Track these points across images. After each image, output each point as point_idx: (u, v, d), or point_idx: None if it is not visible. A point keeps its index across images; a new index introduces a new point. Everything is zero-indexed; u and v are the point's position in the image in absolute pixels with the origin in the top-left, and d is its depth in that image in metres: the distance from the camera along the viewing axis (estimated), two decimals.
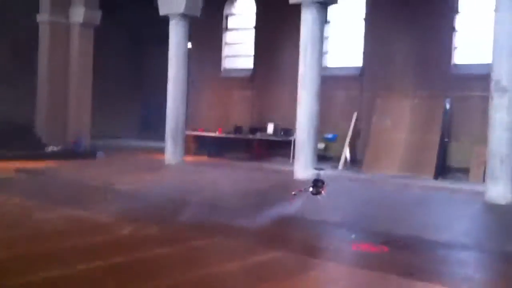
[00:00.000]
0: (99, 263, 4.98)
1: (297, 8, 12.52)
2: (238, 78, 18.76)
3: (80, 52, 16.93)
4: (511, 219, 8.74)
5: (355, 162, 15.49)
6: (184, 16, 14.57)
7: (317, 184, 7.23)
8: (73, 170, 12.53)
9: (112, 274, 4.72)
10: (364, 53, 15.99)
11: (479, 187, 10.80)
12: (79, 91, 16.93)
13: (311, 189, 7.24)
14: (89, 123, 17.23)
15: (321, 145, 15.60)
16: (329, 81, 15.37)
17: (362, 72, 16.02)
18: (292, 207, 7.29)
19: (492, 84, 10.07)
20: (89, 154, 15.71)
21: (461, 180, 13.34)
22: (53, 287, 4.35)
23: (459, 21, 14.65)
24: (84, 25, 16.95)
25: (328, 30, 16.72)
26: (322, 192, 7.22)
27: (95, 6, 17.11)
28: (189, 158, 15.97)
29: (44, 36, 16.90)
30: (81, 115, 17.00)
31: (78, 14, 16.92)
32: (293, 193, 7.30)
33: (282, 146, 16.66)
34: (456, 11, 14.61)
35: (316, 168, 7.69)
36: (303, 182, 8.78)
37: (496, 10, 10.11)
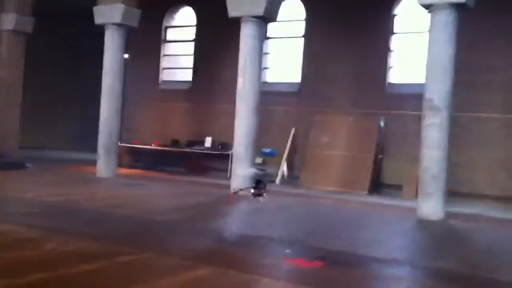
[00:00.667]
0: (19, 280, 4.64)
1: (237, 22, 12.50)
2: (177, 91, 18.52)
3: (9, 59, 16.22)
4: (442, 235, 8.94)
5: (292, 177, 15.53)
6: (120, 26, 14.26)
7: (259, 185, 6.97)
8: None
9: None
10: (302, 69, 16.16)
11: (412, 204, 11.01)
12: (8, 100, 16.17)
13: (252, 190, 6.96)
14: (17, 133, 16.47)
15: (259, 160, 15.56)
16: (269, 96, 15.40)
17: (300, 88, 16.17)
18: (229, 220, 6.96)
19: (425, 103, 10.34)
20: (17, 166, 14.97)
21: (394, 196, 13.61)
22: None
23: (395, 41, 15.07)
24: (14, 32, 16.29)
25: (269, 45, 16.82)
26: (264, 195, 6.95)
27: (27, 13, 16.50)
28: (123, 171, 15.54)
29: None
30: (8, 125, 16.21)
31: (8, 20, 16.27)
32: (232, 191, 6.96)
33: (219, 160, 16.50)
34: (392, 32, 15.02)
35: (257, 169, 7.40)
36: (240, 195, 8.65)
37: (430, 31, 10.42)
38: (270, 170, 6.80)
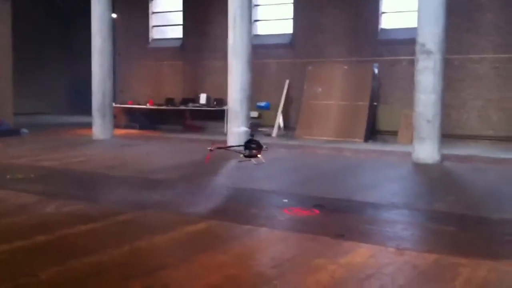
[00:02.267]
0: (20, 243, 4.71)
1: None
2: (168, 49, 18.33)
3: None
4: (438, 177, 9.04)
5: (288, 129, 15.57)
6: None
7: (250, 145, 6.48)
8: None
9: (34, 254, 4.47)
10: (294, 20, 15.95)
11: (407, 149, 11.08)
12: None
13: (243, 152, 6.46)
14: (11, 100, 16.34)
15: (255, 114, 15.58)
16: (261, 50, 15.28)
17: (292, 40, 15.99)
18: (210, 166, 6.35)
19: (418, 48, 10.27)
20: (12, 132, 14.95)
21: (390, 142, 13.67)
22: None
23: None
24: None
25: None
26: (259, 155, 6.49)
27: None
28: (120, 132, 15.54)
29: None
30: (2, 92, 16.08)
31: None
32: (209, 148, 6.53)
33: (215, 116, 16.49)
34: None
35: (248, 127, 6.83)
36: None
37: None
38: (258, 131, 6.15)
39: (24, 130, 15.26)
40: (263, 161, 6.57)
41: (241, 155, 6.46)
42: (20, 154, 10.97)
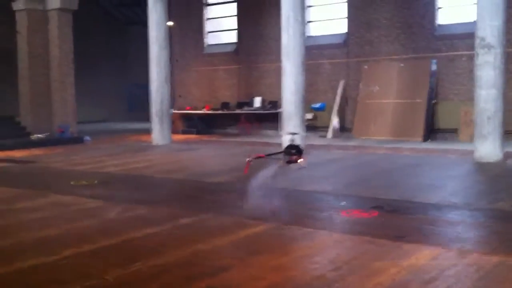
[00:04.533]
0: (87, 247, 4.90)
1: None
2: (222, 54, 18.55)
3: (59, 38, 16.62)
4: (501, 176, 8.75)
5: (344, 130, 15.45)
6: None
7: (291, 151, 6.45)
8: (59, 157, 12.39)
9: (100, 258, 4.65)
10: (348, 19, 15.83)
11: (468, 147, 10.78)
12: (61, 77, 16.67)
13: (282, 158, 6.44)
14: (74, 109, 17.01)
15: (310, 115, 15.55)
16: (314, 50, 15.25)
17: (346, 39, 15.87)
18: (261, 177, 6.43)
19: (477, 42, 10.00)
20: (76, 140, 15.55)
21: (450, 140, 13.33)
22: (40, 274, 4.27)
23: None
24: (62, 10, 16.62)
25: None
26: (299, 161, 6.44)
27: None
28: (178, 137, 15.87)
29: (22, 24, 16.56)
30: (66, 101, 16.76)
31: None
32: (247, 159, 6.50)
33: (270, 119, 16.57)
34: None
35: (289, 133, 6.83)
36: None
37: None
38: (301, 135, 6.09)
39: (87, 138, 15.83)
40: (304, 165, 6.50)
41: (281, 161, 6.45)
42: (84, 161, 11.39)
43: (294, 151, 6.31)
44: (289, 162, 6.33)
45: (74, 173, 9.72)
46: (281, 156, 6.37)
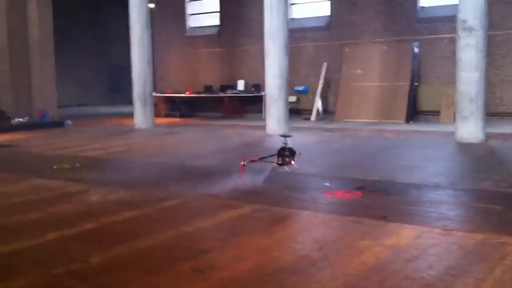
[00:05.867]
0: (70, 231, 4.85)
1: None
2: (205, 36, 18.41)
3: (40, 20, 16.30)
4: (483, 156, 8.84)
5: (327, 113, 15.48)
6: None
7: (283, 153, 6.64)
8: (41, 140, 12.24)
9: (84, 241, 4.61)
10: (331, 1, 15.78)
11: (450, 128, 10.86)
12: (42, 60, 16.40)
13: (275, 160, 6.63)
14: (55, 92, 16.79)
15: (293, 98, 15.54)
16: (297, 33, 15.21)
17: (329, 22, 15.83)
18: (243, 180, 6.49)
19: (459, 25, 10.02)
20: (57, 124, 15.37)
21: (432, 122, 13.43)
22: (23, 258, 4.22)
23: None
24: None
25: None
26: (292, 162, 6.63)
27: None
28: (161, 121, 15.77)
29: (0, 5, 16.22)
30: (46, 85, 16.52)
31: None
32: (242, 163, 6.61)
33: (253, 102, 16.53)
34: None
35: (282, 135, 6.96)
36: (274, 138, 8.59)
37: None
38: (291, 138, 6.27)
39: (69, 121, 15.65)
40: (297, 167, 6.68)
41: (275, 163, 6.61)
42: (66, 145, 11.27)
43: (287, 153, 6.51)
44: (283, 164, 6.52)
45: (56, 157, 9.61)
46: (274, 158, 6.57)
